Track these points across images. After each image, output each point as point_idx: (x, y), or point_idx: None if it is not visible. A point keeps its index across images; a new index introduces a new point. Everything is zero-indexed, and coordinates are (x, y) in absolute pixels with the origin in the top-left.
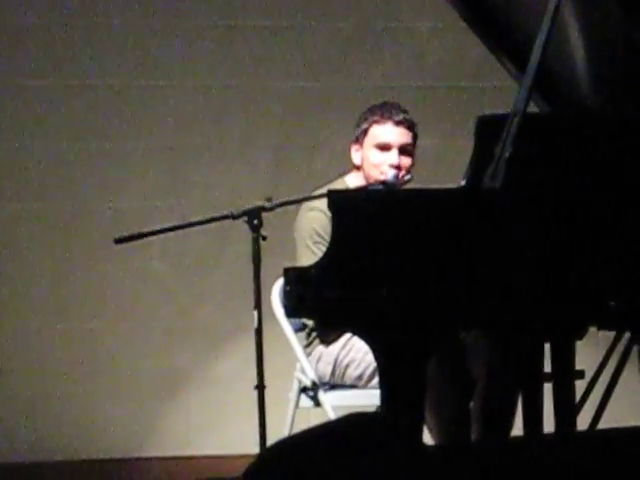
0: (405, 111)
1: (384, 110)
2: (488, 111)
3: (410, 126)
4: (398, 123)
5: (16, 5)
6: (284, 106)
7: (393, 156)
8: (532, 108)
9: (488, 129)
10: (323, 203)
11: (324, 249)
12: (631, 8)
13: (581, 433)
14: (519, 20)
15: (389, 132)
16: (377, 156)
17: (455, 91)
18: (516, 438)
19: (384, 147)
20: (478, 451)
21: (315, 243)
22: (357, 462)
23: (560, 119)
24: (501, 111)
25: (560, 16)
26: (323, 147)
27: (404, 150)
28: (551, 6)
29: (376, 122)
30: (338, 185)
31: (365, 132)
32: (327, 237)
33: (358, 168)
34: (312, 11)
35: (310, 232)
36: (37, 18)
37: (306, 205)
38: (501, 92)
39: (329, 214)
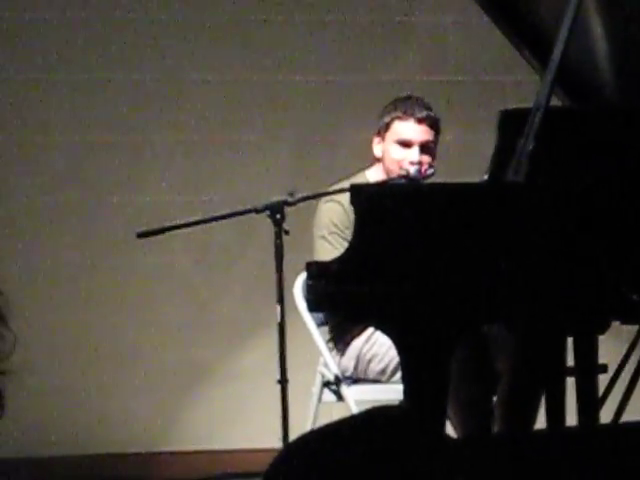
0: (429, 107)
1: (407, 106)
2: (510, 105)
3: (432, 124)
4: (420, 121)
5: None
6: (305, 100)
7: (414, 153)
8: (555, 102)
9: (510, 123)
10: (340, 195)
11: (340, 240)
12: None
13: (603, 426)
14: (541, 14)
15: (411, 129)
16: (398, 152)
17: (477, 85)
18: (539, 431)
19: (405, 144)
20: (501, 443)
21: (331, 234)
22: (380, 456)
23: (583, 113)
24: (523, 105)
25: (582, 10)
26: (344, 142)
27: (425, 147)
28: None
29: (398, 118)
30: (359, 179)
31: (387, 126)
32: (343, 228)
33: (379, 160)
34: (334, 5)
35: (327, 223)
36: (59, 12)
37: (324, 199)
38: (523, 86)
39: (346, 206)
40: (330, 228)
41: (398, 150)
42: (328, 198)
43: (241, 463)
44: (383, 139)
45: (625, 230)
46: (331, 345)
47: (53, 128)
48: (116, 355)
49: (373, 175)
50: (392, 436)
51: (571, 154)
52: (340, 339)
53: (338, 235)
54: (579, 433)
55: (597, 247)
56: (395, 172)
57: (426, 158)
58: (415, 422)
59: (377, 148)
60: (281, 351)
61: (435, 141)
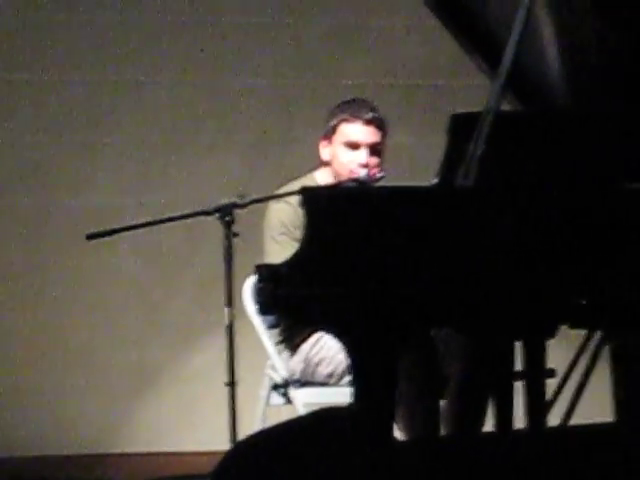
0: (375, 109)
1: (354, 108)
2: (461, 109)
3: (379, 125)
4: (368, 122)
5: None
6: (257, 103)
7: (362, 155)
8: (505, 106)
9: (461, 127)
10: (290, 196)
11: (290, 241)
12: (603, 5)
13: (551, 429)
14: (492, 18)
15: (358, 131)
16: (346, 154)
17: (428, 89)
18: (486, 433)
19: (353, 146)
20: (448, 445)
21: (280, 234)
22: (327, 457)
23: (533, 117)
24: (474, 109)
25: (533, 14)
26: (297, 144)
27: (373, 149)
28: (524, 4)
29: (345, 120)
30: (307, 181)
31: (334, 129)
32: (293, 229)
33: (326, 164)
34: (288, 9)
35: (276, 224)
36: (11, 12)
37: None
38: (474, 90)
39: (295, 206)
40: (280, 229)
41: (346, 152)
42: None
43: (189, 465)
44: (330, 142)
45: (573, 235)
46: (281, 347)
47: (5, 128)
48: (66, 356)
49: (322, 177)
50: (339, 436)
51: (521, 158)
52: (290, 342)
53: (287, 236)
54: (526, 436)
55: (546, 252)
56: (344, 175)
57: (374, 160)
58: (363, 423)
59: (324, 152)
60: (230, 353)
61: (382, 142)
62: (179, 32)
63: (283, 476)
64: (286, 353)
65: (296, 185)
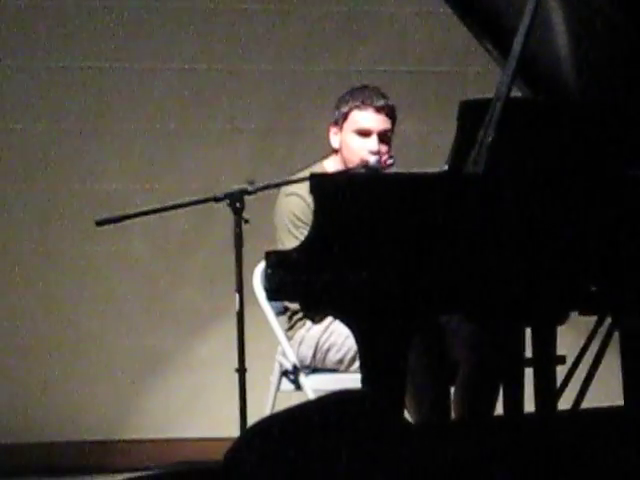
0: (386, 96)
1: (365, 95)
2: (471, 96)
3: (390, 112)
4: (379, 110)
5: None
6: (267, 90)
7: (373, 142)
8: (515, 93)
9: (471, 114)
10: (300, 188)
11: (300, 232)
12: None
13: (561, 412)
14: (502, 5)
15: (370, 118)
16: (357, 141)
17: (438, 76)
18: (497, 417)
19: (364, 133)
20: (459, 429)
21: (297, 228)
22: (338, 440)
23: (542, 104)
24: (484, 96)
25: (544, 2)
26: (306, 131)
27: (383, 136)
28: None
29: (357, 107)
30: (317, 169)
31: (345, 116)
32: (307, 222)
33: (336, 151)
34: None
35: (290, 217)
36: None
37: (284, 190)
38: (484, 77)
39: (307, 199)
40: (295, 222)
41: (357, 139)
42: (289, 191)
43: (200, 452)
44: (341, 129)
45: (583, 221)
46: (290, 334)
47: (12, 116)
48: (75, 343)
49: (331, 165)
50: (353, 418)
51: (531, 145)
52: (299, 328)
53: (303, 229)
54: (537, 419)
55: (555, 238)
56: (354, 162)
57: (384, 147)
58: (376, 405)
59: (334, 139)
60: (239, 340)
61: (392, 130)
62: (188, 19)
63: (294, 460)
64: (293, 340)
65: (306, 173)
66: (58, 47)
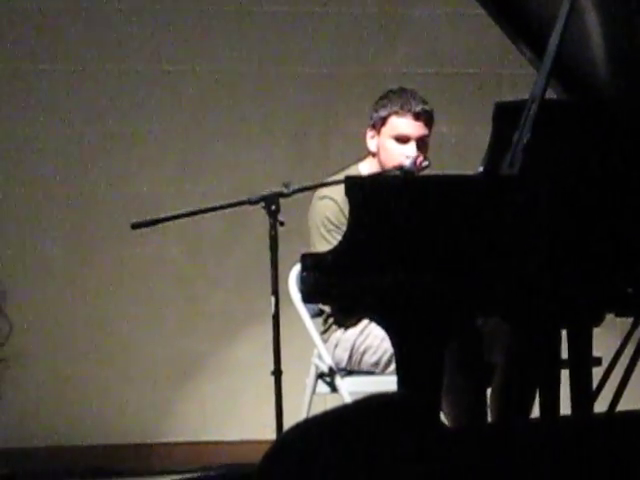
0: (424, 101)
1: (404, 100)
2: (506, 98)
3: (428, 118)
4: (418, 116)
5: None
6: (301, 92)
7: (411, 148)
8: (550, 95)
9: (506, 115)
10: (334, 191)
11: (338, 237)
12: None
13: (599, 415)
14: (537, 6)
15: (408, 125)
16: (395, 147)
17: (473, 78)
18: (534, 419)
19: (402, 139)
20: (497, 431)
21: (329, 231)
22: (377, 443)
23: (578, 106)
24: (519, 98)
25: (578, 3)
26: (340, 133)
27: (421, 142)
28: None
29: (396, 113)
30: (352, 172)
31: (383, 121)
32: (340, 225)
33: (373, 154)
34: None
35: (323, 220)
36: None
37: (317, 194)
38: (519, 79)
39: (340, 202)
40: (327, 226)
41: (395, 145)
42: (322, 194)
43: (235, 454)
44: (378, 133)
45: (620, 223)
46: (325, 336)
47: (47, 120)
48: (110, 346)
49: (366, 168)
50: (391, 421)
51: (566, 147)
52: (334, 330)
53: (336, 232)
54: (574, 422)
55: (592, 240)
56: (391, 166)
57: (421, 153)
58: (412, 408)
59: (371, 142)
60: (275, 342)
61: (429, 134)
62: (221, 21)
63: (332, 463)
64: (329, 342)
65: (340, 177)
66: (91, 50)
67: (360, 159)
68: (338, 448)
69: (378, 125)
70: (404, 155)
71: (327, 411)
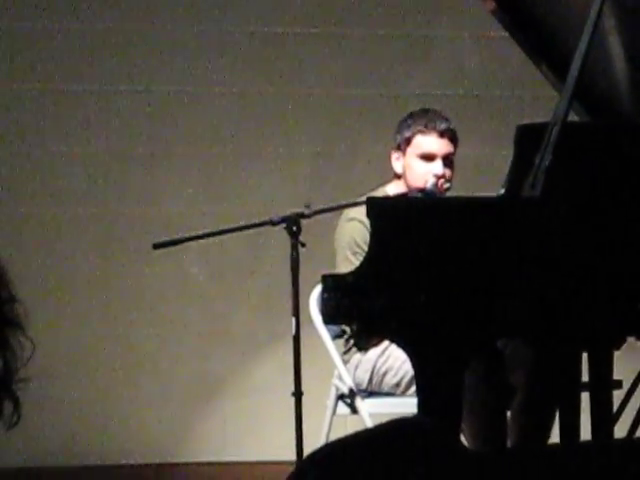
0: (447, 119)
1: (428, 119)
2: (528, 120)
3: (453, 136)
4: (442, 134)
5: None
6: (323, 113)
7: (438, 166)
8: (572, 117)
9: (528, 138)
10: (362, 213)
11: (361, 259)
12: None
13: (618, 441)
14: (560, 29)
15: (434, 143)
16: (421, 166)
17: (495, 100)
18: (553, 445)
19: (428, 157)
20: (516, 456)
21: (354, 254)
22: (398, 468)
23: (600, 128)
24: (541, 120)
25: (601, 26)
26: (362, 155)
27: (446, 160)
28: (592, 16)
29: (420, 132)
30: (378, 194)
31: (408, 141)
32: (366, 248)
33: (399, 177)
34: (352, 18)
35: (349, 242)
36: (72, 22)
37: (345, 215)
38: (541, 101)
39: (368, 225)
40: (353, 248)
41: (421, 164)
42: (350, 216)
43: (255, 475)
44: (404, 154)
45: None
46: (346, 357)
47: (70, 139)
48: (131, 366)
49: (393, 190)
50: (412, 448)
51: (588, 169)
52: (355, 352)
53: (361, 255)
54: (594, 448)
55: (613, 263)
56: (418, 186)
57: (448, 171)
58: (435, 434)
59: (397, 164)
60: (296, 364)
61: (454, 152)
62: (243, 42)
63: None
64: (349, 363)
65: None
66: (115, 70)
67: (387, 181)
68: (358, 473)
69: (403, 145)
70: (431, 173)
71: (348, 436)
